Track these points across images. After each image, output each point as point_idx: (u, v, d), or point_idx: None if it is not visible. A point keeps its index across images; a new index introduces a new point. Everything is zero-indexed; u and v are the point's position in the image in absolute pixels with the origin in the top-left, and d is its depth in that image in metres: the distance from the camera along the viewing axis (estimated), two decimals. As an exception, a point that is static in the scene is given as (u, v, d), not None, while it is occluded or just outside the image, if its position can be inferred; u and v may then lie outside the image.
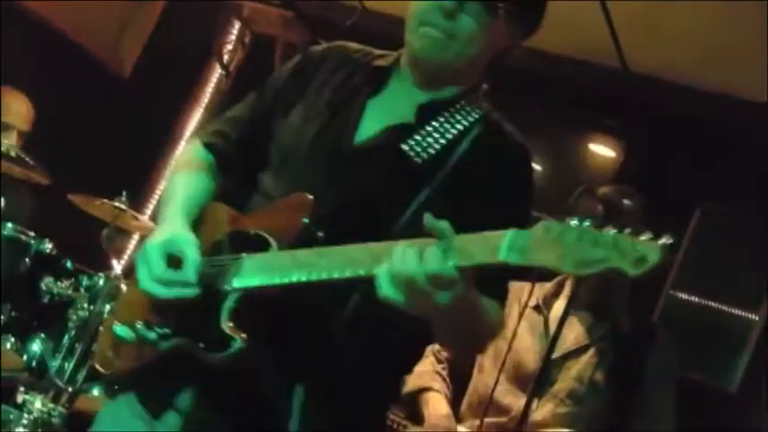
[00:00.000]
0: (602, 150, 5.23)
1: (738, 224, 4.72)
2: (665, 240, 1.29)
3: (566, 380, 2.96)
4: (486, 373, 3.06)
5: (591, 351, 3.00)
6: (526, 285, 3.13)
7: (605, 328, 3.03)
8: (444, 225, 1.44)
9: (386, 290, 1.47)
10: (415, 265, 1.43)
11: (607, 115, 5.05)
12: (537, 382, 2.73)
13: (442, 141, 1.80)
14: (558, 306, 3.05)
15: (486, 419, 2.96)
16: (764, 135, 4.69)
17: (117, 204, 4.11)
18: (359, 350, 1.73)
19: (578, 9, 4.21)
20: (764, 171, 4.64)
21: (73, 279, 4.06)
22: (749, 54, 4.31)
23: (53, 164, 4.40)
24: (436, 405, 3.09)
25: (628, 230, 1.30)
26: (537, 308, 3.09)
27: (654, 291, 4.69)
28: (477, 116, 1.85)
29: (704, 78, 4.73)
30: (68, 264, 4.14)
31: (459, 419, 3.08)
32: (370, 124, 1.85)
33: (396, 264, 1.45)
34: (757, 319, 4.53)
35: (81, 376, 3.83)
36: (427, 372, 3.19)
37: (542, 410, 2.93)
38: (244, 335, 1.66)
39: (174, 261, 1.73)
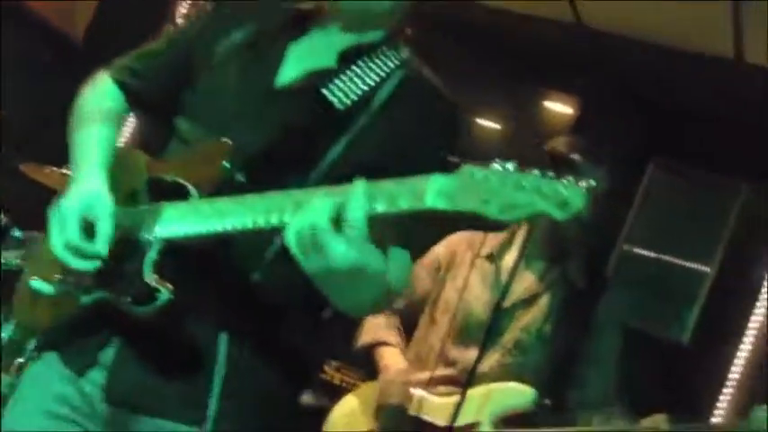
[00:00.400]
0: (558, 107, 5.25)
1: (691, 179, 4.76)
2: (586, 183, 1.29)
3: (513, 330, 2.97)
4: (435, 324, 3.06)
5: (540, 301, 3.00)
6: (478, 235, 3.12)
7: (555, 278, 3.03)
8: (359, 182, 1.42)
9: (288, 240, 1.45)
10: (329, 210, 1.41)
11: (562, 71, 5.06)
12: (485, 334, 2.72)
13: (363, 87, 1.77)
14: (510, 257, 3.04)
15: (434, 373, 2.95)
16: (724, 91, 4.73)
17: (64, 172, 4.06)
18: (281, 297, 1.72)
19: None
20: (720, 127, 4.68)
21: (21, 248, 4.02)
22: (710, 9, 4.34)
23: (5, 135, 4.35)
24: (391, 359, 3.08)
25: (550, 174, 1.30)
26: (490, 257, 3.07)
27: (607, 245, 4.74)
28: (398, 62, 1.83)
29: (660, 33, 4.75)
30: (17, 233, 4.09)
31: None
32: (292, 68, 1.82)
33: (306, 210, 1.43)
34: (709, 270, 4.59)
35: (31, 345, 3.79)
36: (380, 324, 3.17)
37: (489, 361, 2.93)
38: (169, 285, 1.63)
39: (88, 227, 1.67)
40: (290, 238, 1.44)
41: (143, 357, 1.71)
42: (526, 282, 3.03)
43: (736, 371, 4.35)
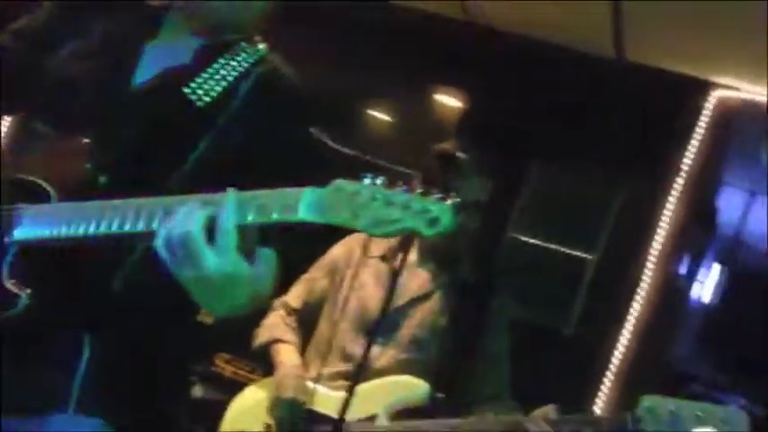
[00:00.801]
0: (448, 101, 5.33)
1: (575, 174, 4.92)
2: (452, 200, 1.32)
3: (409, 327, 3.03)
4: (331, 322, 3.10)
5: (433, 298, 3.07)
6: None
7: (448, 276, 3.10)
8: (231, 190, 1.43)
9: (160, 252, 1.43)
10: (202, 220, 1.41)
11: (450, 66, 5.14)
12: (376, 330, 2.76)
13: (223, 84, 1.77)
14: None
15: (332, 369, 3.01)
16: (606, 89, 4.88)
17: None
18: (145, 302, 1.70)
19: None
20: (601, 123, 4.84)
21: None
22: (592, 8, 4.47)
23: None
24: (287, 356, 3.11)
25: (418, 190, 1.32)
26: (383, 258, 3.13)
27: (495, 234, 4.85)
28: (256, 58, 1.83)
29: (545, 31, 4.87)
30: None
31: (304, 366, 3.10)
32: (149, 67, 1.80)
33: (178, 219, 1.42)
34: (591, 258, 4.75)
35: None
36: (277, 324, 3.20)
37: (385, 357, 2.99)
38: (28, 290, 1.60)
39: None
40: (161, 246, 1.43)
41: (12, 365, 1.67)
42: (419, 280, 3.10)
43: (615, 361, 4.52)
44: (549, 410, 2.84)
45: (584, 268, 4.79)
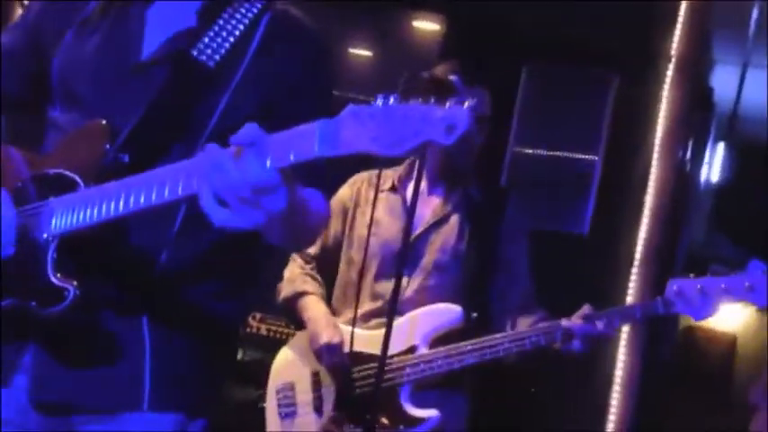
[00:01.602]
0: (426, 25, 5.30)
1: (564, 77, 4.91)
2: (468, 103, 1.28)
3: (431, 252, 3.06)
4: (354, 264, 3.13)
5: (450, 221, 3.10)
6: (378, 171, 3.19)
7: (459, 198, 3.13)
8: (251, 129, 1.39)
9: (210, 209, 1.40)
10: (235, 173, 1.36)
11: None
12: (400, 260, 2.79)
13: (231, 39, 1.74)
14: (412, 186, 3.12)
15: (363, 309, 3.04)
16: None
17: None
18: (193, 271, 1.72)
19: None
20: (588, 18, 4.80)
21: None
22: None
23: None
24: (314, 307, 3.14)
25: (432, 100, 1.30)
26: (393, 189, 3.16)
27: (499, 150, 4.86)
28: (261, 6, 1.80)
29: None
30: None
31: (334, 313, 3.14)
32: (154, 36, 1.78)
33: (214, 178, 1.39)
34: (597, 158, 4.77)
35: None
36: (297, 276, 3.22)
37: (412, 286, 3.02)
38: (75, 282, 1.59)
39: None
40: (212, 203, 1.39)
41: (63, 357, 1.68)
42: (432, 205, 3.13)
43: (637, 255, 4.55)
44: (585, 309, 2.91)
45: (592, 169, 4.81)
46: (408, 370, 2.95)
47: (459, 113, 1.27)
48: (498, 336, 2.94)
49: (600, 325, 2.85)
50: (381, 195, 3.16)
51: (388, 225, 3.10)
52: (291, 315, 3.31)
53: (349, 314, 3.04)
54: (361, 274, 3.04)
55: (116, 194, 1.53)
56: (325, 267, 3.26)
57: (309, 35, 1.83)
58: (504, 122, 4.88)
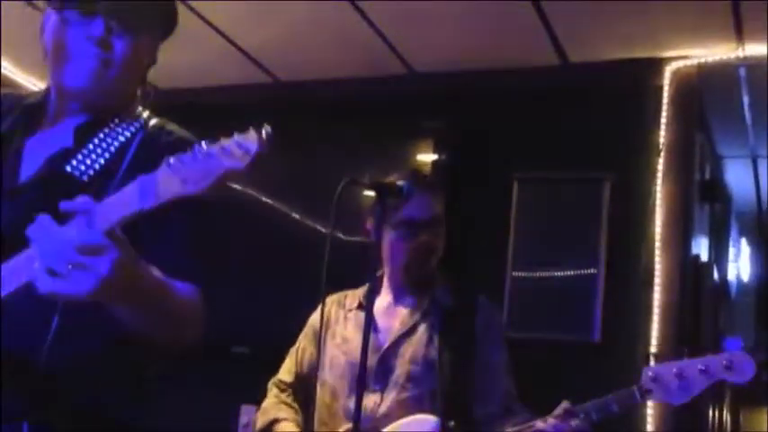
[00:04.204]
0: (426, 157, 5.29)
1: (552, 186, 4.87)
2: (255, 130, 1.36)
3: (402, 364, 2.97)
4: (328, 385, 3.04)
5: (418, 330, 3.02)
6: (347, 292, 3.19)
7: (427, 306, 3.06)
8: (83, 199, 1.45)
9: (45, 285, 1.40)
10: (59, 236, 1.41)
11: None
12: (359, 378, 2.66)
13: (106, 155, 1.80)
14: (379, 301, 3.09)
15: (341, 430, 2.93)
16: (559, 95, 4.88)
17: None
18: (74, 386, 1.69)
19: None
20: (572, 126, 4.81)
21: None
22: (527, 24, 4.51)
23: None
24: (286, 430, 3.06)
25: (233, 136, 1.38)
26: (360, 306, 3.11)
27: (497, 274, 4.79)
28: (137, 125, 1.87)
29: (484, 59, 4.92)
30: None
31: (312, 435, 3.04)
32: (31, 162, 1.83)
33: (44, 249, 1.41)
34: (596, 272, 4.65)
35: None
36: (272, 405, 3.17)
37: (387, 401, 2.92)
38: None
39: None
40: (42, 275, 1.40)
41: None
42: (400, 316, 3.06)
43: (653, 349, 4.40)
44: (563, 405, 2.79)
45: (592, 280, 4.68)
46: None
47: (250, 138, 1.36)
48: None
49: (574, 423, 2.74)
50: (350, 314, 3.13)
51: (357, 343, 3.00)
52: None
53: (329, 437, 2.93)
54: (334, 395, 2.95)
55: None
56: (303, 394, 3.17)
57: (178, 145, 1.85)
58: (501, 239, 4.82)
